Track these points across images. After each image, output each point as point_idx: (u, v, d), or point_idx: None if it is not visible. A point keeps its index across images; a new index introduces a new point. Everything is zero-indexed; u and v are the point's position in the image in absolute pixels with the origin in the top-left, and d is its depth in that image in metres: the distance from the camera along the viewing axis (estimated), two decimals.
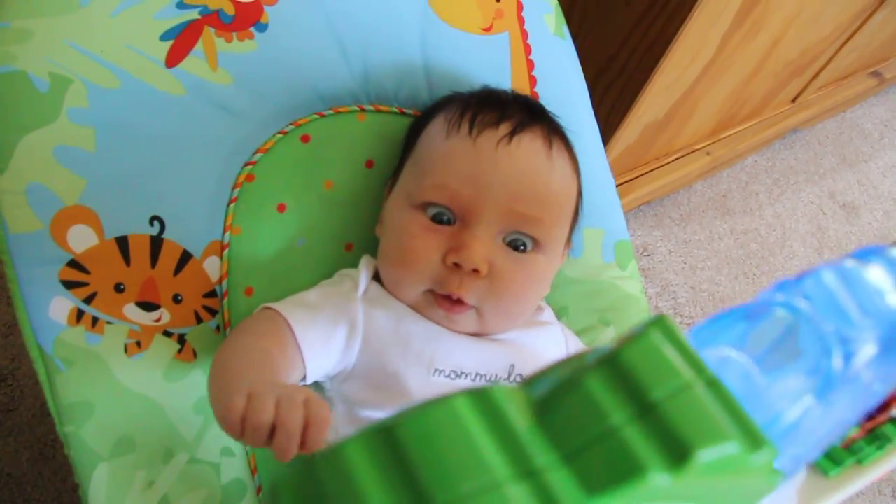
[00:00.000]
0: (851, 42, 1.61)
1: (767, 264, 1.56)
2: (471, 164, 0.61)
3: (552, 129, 0.66)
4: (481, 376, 0.62)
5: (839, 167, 1.87)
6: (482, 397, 0.18)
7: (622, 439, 0.17)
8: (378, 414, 0.60)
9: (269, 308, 0.60)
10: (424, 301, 0.63)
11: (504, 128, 0.62)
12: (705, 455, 0.17)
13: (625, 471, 0.17)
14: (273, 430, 0.42)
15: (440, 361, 0.61)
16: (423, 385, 0.59)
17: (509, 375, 0.63)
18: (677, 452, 0.17)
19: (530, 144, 0.62)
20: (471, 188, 0.60)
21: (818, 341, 0.21)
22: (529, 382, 0.20)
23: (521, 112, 0.64)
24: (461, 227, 0.61)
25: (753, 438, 0.18)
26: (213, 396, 0.52)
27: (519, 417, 0.18)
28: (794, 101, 1.74)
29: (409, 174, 0.66)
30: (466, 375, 0.61)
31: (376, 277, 0.67)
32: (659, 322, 0.19)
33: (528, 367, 0.64)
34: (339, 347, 0.60)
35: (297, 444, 0.42)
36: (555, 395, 0.18)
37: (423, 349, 0.61)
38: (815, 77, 1.67)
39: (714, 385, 0.18)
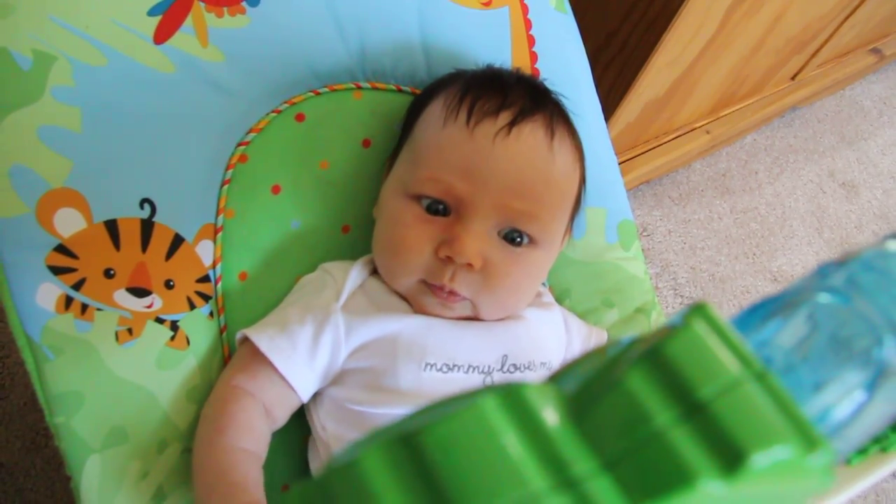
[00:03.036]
0: (852, 18, 1.59)
1: (767, 244, 1.55)
2: (466, 157, 0.59)
3: (556, 116, 0.63)
4: (474, 368, 0.60)
5: (839, 145, 1.85)
6: (511, 396, 0.16)
7: (669, 443, 0.15)
8: (369, 410, 0.58)
9: (248, 340, 0.59)
10: (418, 290, 0.61)
11: (504, 117, 0.59)
12: (760, 459, 0.15)
13: (673, 478, 0.15)
14: None
15: (431, 355, 0.59)
16: (414, 381, 0.58)
17: (502, 366, 0.61)
18: (730, 457, 0.15)
19: (530, 136, 0.60)
20: (466, 182, 0.58)
21: (868, 330, 0.19)
22: (558, 377, 0.18)
23: (524, 97, 0.62)
24: (455, 220, 0.59)
25: (809, 439, 0.16)
26: None
27: (553, 419, 0.16)
28: (793, 78, 1.72)
29: (405, 161, 0.63)
30: (459, 368, 0.60)
31: (375, 272, 0.65)
32: (700, 310, 0.17)
33: (522, 356, 0.63)
34: (324, 362, 0.59)
35: None
36: (591, 393, 0.17)
37: (413, 345, 0.59)
38: (815, 54, 1.65)
39: (764, 379, 0.17)
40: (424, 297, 0.61)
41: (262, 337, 0.58)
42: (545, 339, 0.67)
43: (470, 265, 0.58)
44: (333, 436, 0.60)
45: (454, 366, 0.59)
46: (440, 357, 0.59)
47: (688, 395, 0.16)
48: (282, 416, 0.59)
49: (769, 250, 1.54)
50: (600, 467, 0.15)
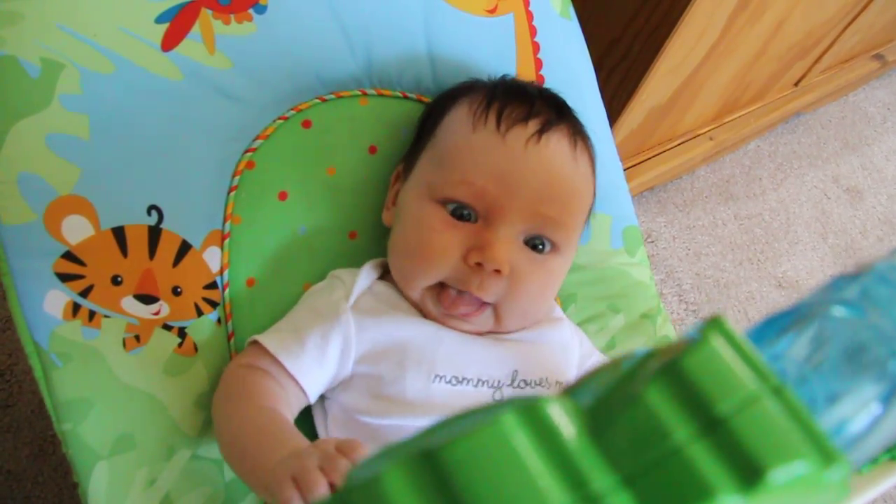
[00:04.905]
0: (855, 24, 1.59)
1: (772, 249, 1.55)
2: (499, 161, 0.59)
3: (576, 129, 0.64)
4: (483, 382, 0.60)
5: (842, 151, 1.85)
6: (530, 412, 0.16)
7: (687, 459, 0.15)
8: (377, 421, 0.58)
9: (257, 343, 0.58)
10: (430, 297, 0.61)
11: (533, 125, 0.60)
12: (778, 475, 0.15)
13: (692, 494, 0.15)
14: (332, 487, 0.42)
15: (441, 367, 0.59)
16: (422, 392, 0.58)
17: (513, 381, 0.61)
18: (749, 473, 0.15)
19: (557, 144, 0.61)
20: (498, 187, 0.58)
21: (883, 342, 0.19)
22: (573, 391, 0.18)
23: (549, 109, 0.63)
24: (484, 226, 0.59)
25: (827, 454, 0.16)
26: (247, 481, 0.52)
27: (571, 434, 0.16)
28: (796, 84, 1.72)
29: (430, 164, 0.63)
30: (468, 381, 0.59)
31: (383, 277, 0.65)
32: (716, 324, 0.18)
33: (532, 372, 0.62)
34: (333, 364, 0.59)
35: None
36: (608, 408, 0.17)
37: (423, 355, 0.59)
38: (818, 60, 1.65)
39: (781, 393, 0.17)
40: (436, 308, 0.61)
41: (271, 339, 0.58)
42: (556, 356, 0.66)
43: (498, 272, 0.58)
44: None
45: (463, 379, 0.59)
46: (449, 369, 0.59)
47: (706, 411, 0.16)
48: (288, 413, 0.58)
49: (774, 256, 1.54)
50: (620, 483, 0.15)
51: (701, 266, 1.46)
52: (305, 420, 0.63)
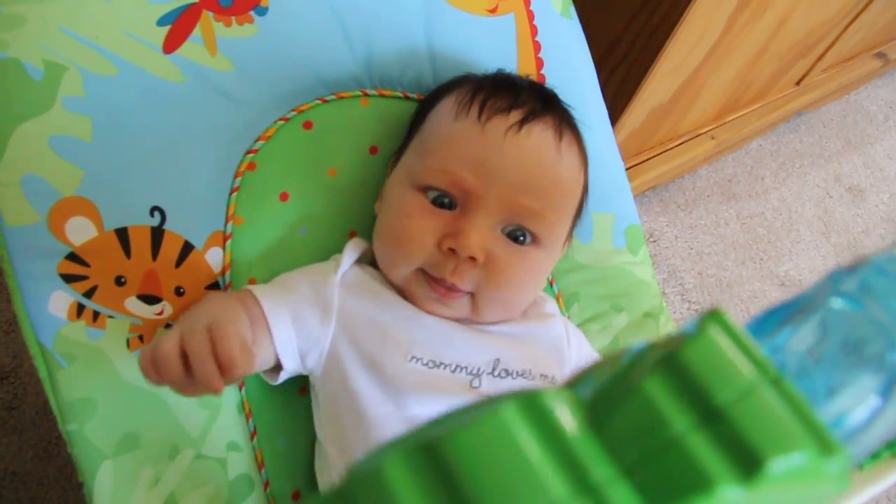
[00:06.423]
0: (856, 22, 1.59)
1: (774, 249, 1.55)
2: (477, 150, 0.59)
3: (564, 121, 0.64)
4: (462, 368, 0.59)
5: (845, 150, 1.85)
6: (531, 403, 0.16)
7: (687, 449, 0.16)
8: (361, 404, 0.57)
9: (244, 288, 0.60)
10: (416, 282, 0.61)
11: (515, 115, 0.60)
12: (777, 465, 0.15)
13: (691, 484, 0.15)
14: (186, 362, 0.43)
15: (418, 349, 0.59)
16: (399, 371, 0.58)
17: (493, 370, 0.61)
18: (748, 463, 0.15)
19: (540, 135, 0.61)
20: (475, 175, 0.58)
21: (881, 334, 0.19)
22: (574, 384, 0.18)
23: (534, 100, 0.63)
24: (461, 213, 0.59)
25: (826, 444, 0.16)
26: None
27: (571, 425, 0.16)
28: (798, 83, 1.71)
29: (414, 153, 0.64)
30: (445, 366, 0.59)
31: (373, 263, 0.65)
32: (715, 316, 0.18)
33: (516, 363, 0.62)
34: (310, 326, 0.58)
35: (211, 366, 0.43)
36: (607, 399, 0.17)
37: (402, 336, 0.59)
38: (819, 59, 1.65)
39: (780, 384, 0.17)
40: (420, 289, 0.61)
41: (259, 286, 0.60)
42: (543, 351, 0.66)
43: (473, 259, 0.58)
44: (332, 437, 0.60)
45: (440, 363, 0.59)
46: (427, 353, 0.59)
47: (705, 401, 0.16)
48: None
49: (776, 255, 1.54)
50: (619, 473, 0.15)
51: (703, 265, 1.46)
52: (306, 418, 0.63)
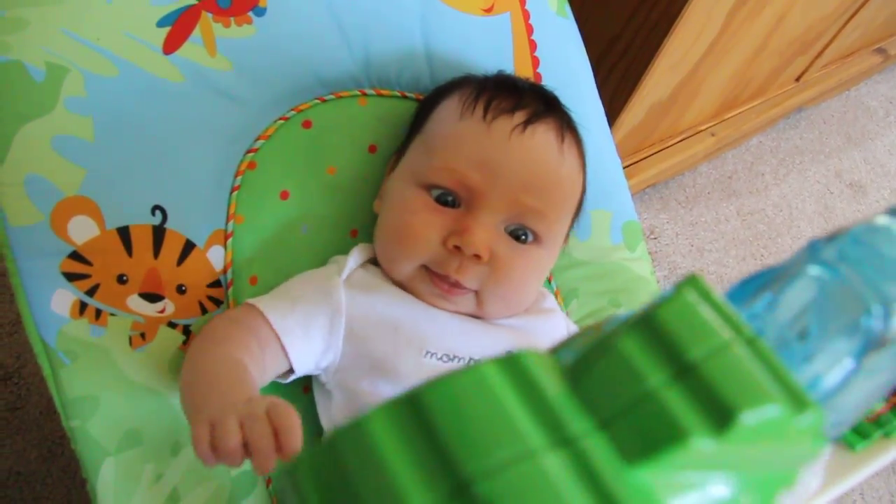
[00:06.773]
0: (856, 18, 1.59)
1: (775, 245, 1.55)
2: (483, 149, 0.60)
3: (565, 123, 0.65)
4: (476, 361, 0.60)
5: (845, 146, 1.85)
6: (512, 363, 0.17)
7: (660, 403, 0.16)
8: (376, 397, 0.58)
9: (247, 303, 0.59)
10: (419, 278, 0.61)
11: (519, 116, 0.61)
12: (749, 417, 0.16)
13: (665, 436, 0.16)
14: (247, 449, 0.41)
15: (432, 344, 0.59)
16: (414, 367, 0.58)
17: None
18: (720, 415, 0.16)
19: (544, 136, 0.61)
20: (480, 174, 0.59)
21: (856, 300, 0.20)
22: (556, 350, 0.19)
23: (537, 102, 0.63)
24: (465, 212, 0.60)
25: (798, 399, 0.17)
26: (186, 414, 0.52)
27: (550, 383, 0.17)
28: (798, 79, 1.72)
29: (418, 151, 0.64)
30: (460, 360, 0.60)
31: (374, 262, 0.66)
32: (692, 281, 0.18)
33: None
34: (321, 333, 0.59)
35: (272, 456, 0.41)
36: (586, 359, 0.17)
37: (414, 332, 0.59)
38: (819, 55, 1.65)
39: (754, 343, 0.17)
40: (424, 285, 0.61)
41: (262, 299, 0.59)
42: (547, 344, 0.66)
43: (478, 257, 0.59)
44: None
45: (455, 357, 0.60)
46: (441, 347, 0.59)
47: (679, 357, 0.17)
48: (257, 371, 0.55)
49: (777, 252, 1.54)
50: (595, 426, 0.16)
51: (704, 262, 1.46)
52: (309, 415, 0.64)
